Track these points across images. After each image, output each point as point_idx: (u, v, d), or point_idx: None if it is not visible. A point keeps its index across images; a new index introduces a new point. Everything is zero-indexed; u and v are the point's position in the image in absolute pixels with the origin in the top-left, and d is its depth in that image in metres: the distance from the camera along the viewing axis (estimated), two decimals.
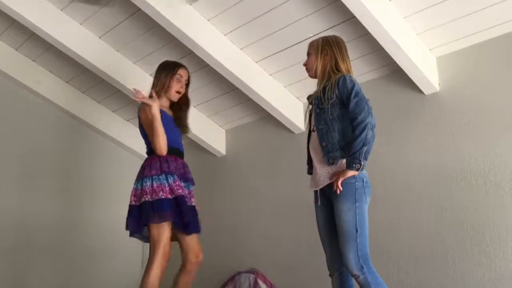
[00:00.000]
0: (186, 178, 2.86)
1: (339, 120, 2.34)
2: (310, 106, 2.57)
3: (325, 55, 2.49)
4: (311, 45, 2.59)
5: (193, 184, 2.92)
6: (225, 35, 3.53)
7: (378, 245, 3.37)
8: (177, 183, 2.76)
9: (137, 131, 4.87)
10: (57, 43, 3.68)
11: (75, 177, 4.55)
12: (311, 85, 3.87)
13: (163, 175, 2.74)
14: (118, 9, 3.46)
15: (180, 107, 3.05)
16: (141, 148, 4.96)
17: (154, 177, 2.73)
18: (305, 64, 2.61)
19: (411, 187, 3.33)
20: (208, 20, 3.41)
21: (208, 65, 3.66)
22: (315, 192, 2.47)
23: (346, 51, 2.54)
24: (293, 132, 4.15)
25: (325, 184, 2.37)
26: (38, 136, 4.39)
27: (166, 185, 2.72)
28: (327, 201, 2.41)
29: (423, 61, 3.28)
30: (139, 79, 4.12)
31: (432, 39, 3.28)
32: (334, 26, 3.26)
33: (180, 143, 2.97)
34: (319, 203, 2.45)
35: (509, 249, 2.88)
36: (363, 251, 2.24)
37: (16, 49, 4.11)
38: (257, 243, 4.15)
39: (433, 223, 3.18)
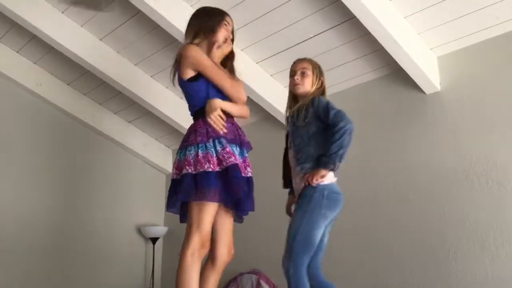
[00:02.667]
0: (240, 142, 2.34)
1: (315, 137, 2.43)
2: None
3: (318, 82, 2.60)
4: (312, 65, 2.63)
5: (249, 148, 2.41)
6: None
7: (382, 245, 3.38)
8: (227, 149, 2.22)
9: (138, 132, 4.96)
10: (58, 46, 3.68)
11: (76, 178, 4.55)
12: None
13: (211, 142, 2.22)
14: (118, 11, 3.47)
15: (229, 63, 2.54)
16: (141, 149, 5.00)
17: (200, 145, 2.21)
18: (298, 83, 2.58)
19: (413, 187, 3.32)
20: None
21: None
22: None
23: None
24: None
25: (300, 190, 2.45)
26: (39, 137, 4.40)
27: (214, 154, 2.20)
28: None
29: (424, 60, 3.28)
30: (140, 81, 4.13)
31: (432, 39, 3.28)
32: (335, 26, 3.27)
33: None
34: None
35: None
36: (297, 258, 2.32)
37: (17, 52, 4.12)
38: (259, 244, 4.15)
39: (435, 223, 3.18)
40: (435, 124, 3.33)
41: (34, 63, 4.23)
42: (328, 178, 2.37)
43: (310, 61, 2.65)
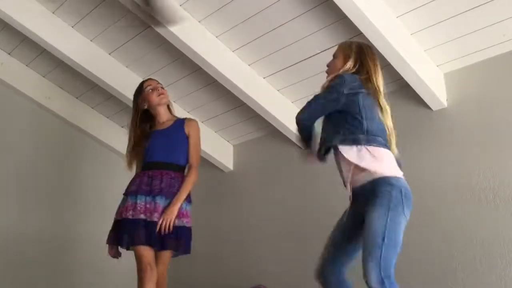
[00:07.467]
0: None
1: None
2: None
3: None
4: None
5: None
6: (233, 51, 3.56)
7: None
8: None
9: None
10: (67, 59, 3.72)
11: (84, 191, 4.56)
12: None
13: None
14: (127, 26, 3.51)
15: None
16: None
17: None
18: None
19: (419, 204, 3.28)
20: (216, 37, 3.44)
21: (216, 81, 3.69)
22: None
23: None
24: (300, 148, 4.14)
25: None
26: (47, 151, 4.42)
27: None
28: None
29: (430, 77, 3.29)
30: None
31: (439, 55, 3.29)
32: None
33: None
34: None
35: None
36: (386, 264, 2.07)
37: (27, 65, 4.16)
38: (264, 259, 4.13)
39: (442, 240, 3.16)
40: (441, 141, 3.32)
41: (43, 76, 4.27)
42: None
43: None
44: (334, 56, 2.52)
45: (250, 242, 4.31)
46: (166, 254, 2.81)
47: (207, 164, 4.65)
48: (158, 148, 2.94)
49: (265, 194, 4.33)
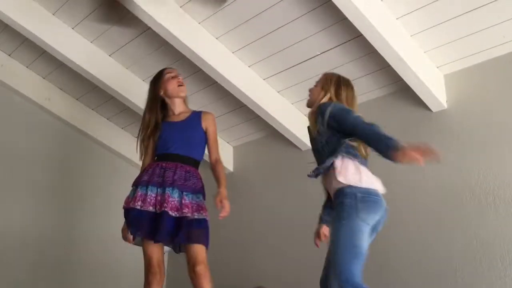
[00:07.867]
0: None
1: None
2: None
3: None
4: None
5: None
6: (233, 52, 3.56)
7: (387, 264, 3.36)
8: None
9: None
10: (67, 61, 3.72)
11: (84, 192, 4.55)
12: None
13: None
14: (128, 27, 3.51)
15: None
16: None
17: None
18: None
19: (419, 205, 3.31)
20: (216, 38, 3.45)
21: (216, 82, 3.70)
22: None
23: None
24: (300, 149, 4.16)
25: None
26: (47, 152, 4.42)
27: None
28: None
29: (430, 78, 3.29)
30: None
31: (439, 57, 3.30)
32: (342, 44, 3.30)
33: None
34: None
35: None
36: (343, 271, 2.15)
37: (27, 67, 4.17)
38: (264, 260, 4.13)
39: (442, 241, 3.16)
40: (441, 142, 3.32)
41: (43, 78, 4.27)
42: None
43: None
44: (316, 84, 2.67)
45: (250, 243, 4.32)
46: (196, 249, 2.62)
47: (207, 165, 4.64)
48: (175, 140, 2.82)
49: (265, 196, 4.34)
